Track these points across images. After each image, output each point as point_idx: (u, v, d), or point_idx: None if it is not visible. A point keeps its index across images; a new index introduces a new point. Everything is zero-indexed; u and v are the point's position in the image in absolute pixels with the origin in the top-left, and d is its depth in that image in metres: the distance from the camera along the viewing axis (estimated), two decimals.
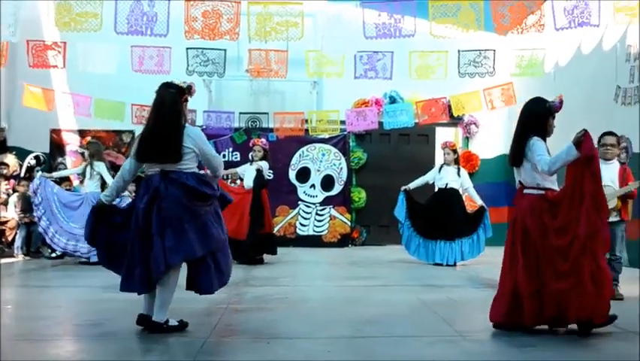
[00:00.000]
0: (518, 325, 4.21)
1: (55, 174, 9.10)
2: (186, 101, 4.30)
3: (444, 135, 12.29)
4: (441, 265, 8.55)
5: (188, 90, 4.28)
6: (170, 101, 4.18)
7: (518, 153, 4.36)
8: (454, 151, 9.05)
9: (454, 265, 8.60)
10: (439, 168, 9.08)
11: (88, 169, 8.52)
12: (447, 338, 4.06)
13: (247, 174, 8.71)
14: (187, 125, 4.22)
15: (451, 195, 8.86)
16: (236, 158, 11.61)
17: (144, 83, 10.12)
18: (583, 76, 9.49)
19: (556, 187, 4.33)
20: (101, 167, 8.46)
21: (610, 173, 5.68)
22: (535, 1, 8.04)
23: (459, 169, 8.97)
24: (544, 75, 9.70)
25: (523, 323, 4.21)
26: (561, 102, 4.35)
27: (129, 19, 7.98)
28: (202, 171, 4.37)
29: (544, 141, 4.34)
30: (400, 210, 8.97)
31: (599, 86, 8.97)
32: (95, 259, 8.16)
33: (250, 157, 8.86)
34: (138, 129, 11.18)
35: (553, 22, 7.94)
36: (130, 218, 4.17)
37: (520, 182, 4.42)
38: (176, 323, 4.18)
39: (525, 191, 4.36)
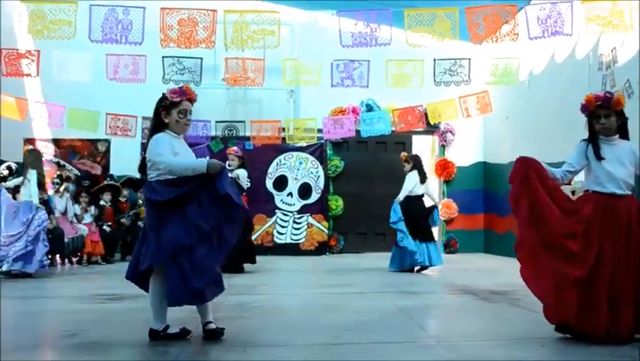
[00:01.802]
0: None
1: None
2: (170, 107, 4.14)
3: (421, 143, 12.37)
4: (411, 271, 8.63)
5: (165, 97, 4.17)
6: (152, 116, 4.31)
7: None
8: (407, 162, 8.98)
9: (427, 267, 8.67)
10: None
11: (24, 178, 8.48)
12: (423, 344, 4.07)
13: None
14: (157, 134, 4.13)
15: (407, 204, 8.85)
16: None
17: (119, 91, 10.13)
18: (557, 84, 9.62)
19: (598, 189, 4.11)
20: (32, 175, 8.42)
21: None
22: (509, 10, 8.14)
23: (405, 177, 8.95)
24: (518, 83, 9.82)
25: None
26: (586, 102, 4.16)
27: (104, 27, 7.90)
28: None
29: (604, 140, 4.14)
30: (395, 216, 8.86)
31: (572, 94, 9.06)
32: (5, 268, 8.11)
33: (227, 166, 8.83)
34: (113, 139, 11.23)
35: (527, 31, 8.03)
36: None
37: None
38: (177, 331, 4.17)
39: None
